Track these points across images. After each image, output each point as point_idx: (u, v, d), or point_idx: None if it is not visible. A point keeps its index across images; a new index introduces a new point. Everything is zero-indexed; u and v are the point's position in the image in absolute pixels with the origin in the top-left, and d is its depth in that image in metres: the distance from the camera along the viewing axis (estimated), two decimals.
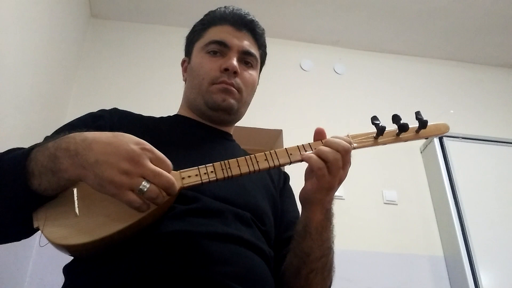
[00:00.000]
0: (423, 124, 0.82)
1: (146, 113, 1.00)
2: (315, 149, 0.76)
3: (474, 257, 2.07)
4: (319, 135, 0.80)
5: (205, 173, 0.72)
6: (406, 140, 0.84)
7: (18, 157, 0.67)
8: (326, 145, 0.75)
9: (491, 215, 2.25)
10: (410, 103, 2.66)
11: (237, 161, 0.74)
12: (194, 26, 1.08)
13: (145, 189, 0.63)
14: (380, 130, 0.80)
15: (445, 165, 2.35)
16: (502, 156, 2.47)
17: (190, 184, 0.71)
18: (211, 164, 0.73)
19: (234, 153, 0.97)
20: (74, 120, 0.91)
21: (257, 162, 0.75)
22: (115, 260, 0.68)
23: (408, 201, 2.37)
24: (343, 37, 2.83)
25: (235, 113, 1.00)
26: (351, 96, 2.67)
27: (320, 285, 0.81)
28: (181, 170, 0.72)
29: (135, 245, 0.68)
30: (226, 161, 0.74)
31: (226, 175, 0.72)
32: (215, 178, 0.72)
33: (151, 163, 0.65)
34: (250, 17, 1.04)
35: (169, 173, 0.67)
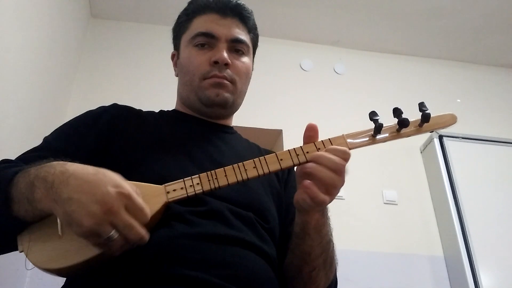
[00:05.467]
0: (425, 117, 0.74)
1: None
2: (307, 152, 0.72)
3: (474, 257, 2.07)
4: (311, 130, 0.74)
5: (190, 186, 0.69)
6: (408, 136, 0.76)
7: (3, 181, 0.67)
8: (318, 161, 0.69)
9: (491, 215, 2.25)
10: (410, 103, 2.65)
11: (224, 170, 0.71)
12: (179, 17, 1.03)
13: (112, 239, 0.60)
14: (378, 128, 0.73)
15: (445, 165, 2.35)
16: (502, 156, 2.47)
17: (176, 198, 0.69)
18: (197, 175, 0.70)
19: (235, 146, 0.95)
20: (73, 119, 0.90)
21: (246, 170, 0.71)
22: (113, 266, 0.67)
23: (408, 201, 2.37)
24: (343, 37, 2.83)
25: (231, 106, 0.96)
26: (351, 96, 2.67)
27: (323, 280, 0.79)
28: (165, 184, 0.70)
29: (131, 250, 0.66)
30: (213, 172, 0.71)
31: (213, 186, 0.70)
32: (201, 191, 0.69)
33: (126, 210, 0.61)
34: (235, 0, 0.97)
35: (145, 222, 0.63)
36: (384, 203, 2.34)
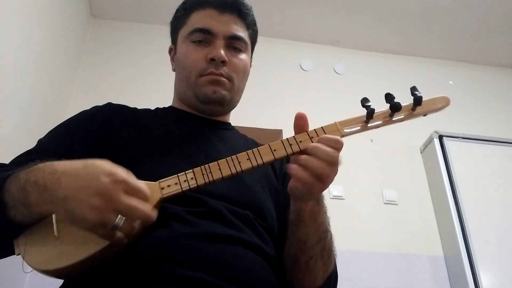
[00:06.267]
0: (417, 100, 0.73)
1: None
2: (300, 141, 0.71)
3: (474, 257, 2.07)
4: (300, 120, 0.73)
5: (185, 181, 0.69)
6: (402, 121, 0.75)
7: None
8: (312, 153, 0.68)
9: (491, 215, 2.25)
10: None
11: (218, 164, 0.70)
12: (177, 11, 1.02)
13: (119, 225, 0.60)
14: (370, 113, 0.72)
15: (445, 165, 2.35)
16: (502, 156, 2.47)
17: (170, 193, 0.69)
18: (191, 170, 0.70)
19: (232, 143, 0.94)
20: (68, 120, 0.90)
21: (239, 162, 0.70)
22: (112, 267, 0.66)
23: (408, 201, 2.37)
24: (343, 37, 2.83)
25: (228, 103, 0.95)
26: (351, 96, 2.66)
27: (321, 271, 0.78)
28: (160, 180, 0.70)
29: (129, 250, 0.67)
30: (206, 165, 0.70)
31: (207, 180, 0.69)
32: (195, 185, 0.69)
33: (126, 194, 0.61)
34: None
35: (146, 200, 0.63)
36: (384, 203, 2.34)
